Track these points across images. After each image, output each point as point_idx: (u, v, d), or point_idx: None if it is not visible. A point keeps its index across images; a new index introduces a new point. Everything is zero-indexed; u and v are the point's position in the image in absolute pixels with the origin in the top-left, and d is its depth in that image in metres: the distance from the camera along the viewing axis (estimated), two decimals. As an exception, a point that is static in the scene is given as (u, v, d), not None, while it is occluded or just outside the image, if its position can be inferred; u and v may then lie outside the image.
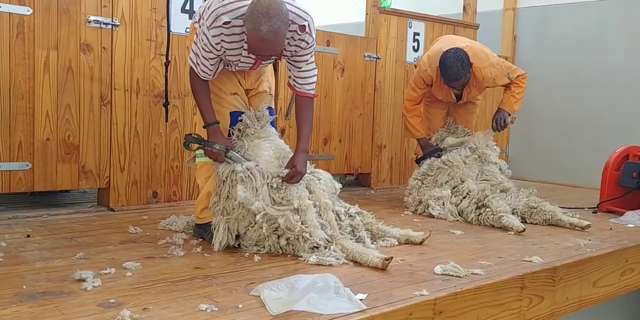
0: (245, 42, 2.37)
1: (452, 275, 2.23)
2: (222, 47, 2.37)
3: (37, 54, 2.99)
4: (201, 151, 2.60)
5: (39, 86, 3.00)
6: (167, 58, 3.08)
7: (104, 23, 3.18)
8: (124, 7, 3.24)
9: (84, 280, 1.97)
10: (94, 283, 1.95)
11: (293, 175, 2.44)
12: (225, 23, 2.30)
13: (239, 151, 2.55)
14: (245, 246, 2.46)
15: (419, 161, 3.83)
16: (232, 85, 2.62)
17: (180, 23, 3.43)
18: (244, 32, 2.33)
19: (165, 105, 3.15)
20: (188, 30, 3.37)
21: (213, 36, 2.34)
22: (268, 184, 2.45)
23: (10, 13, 2.89)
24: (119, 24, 3.22)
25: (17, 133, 2.94)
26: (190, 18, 3.43)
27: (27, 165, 2.98)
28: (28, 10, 2.93)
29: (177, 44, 3.42)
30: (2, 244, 2.42)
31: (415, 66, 3.99)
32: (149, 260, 2.28)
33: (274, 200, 2.44)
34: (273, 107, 2.78)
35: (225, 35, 2.35)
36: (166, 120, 3.33)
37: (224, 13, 2.31)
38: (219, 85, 2.56)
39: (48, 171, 3.06)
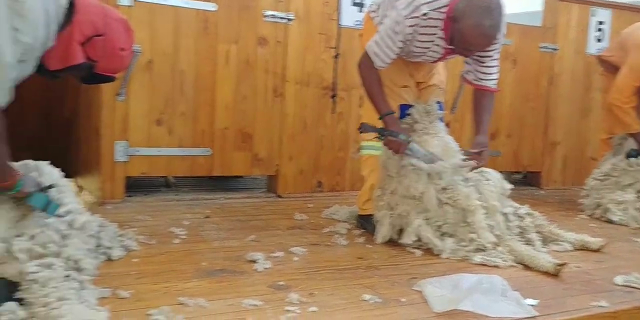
0: (438, 36, 2.34)
1: (635, 288, 2.02)
2: (413, 37, 2.36)
3: (219, 48, 3.21)
4: (367, 143, 2.62)
5: (220, 79, 3.23)
6: (336, 51, 3.14)
7: (279, 17, 3.32)
8: (299, 2, 3.36)
9: (255, 262, 2.09)
10: (264, 265, 2.06)
11: (480, 152, 2.40)
12: (424, 14, 2.29)
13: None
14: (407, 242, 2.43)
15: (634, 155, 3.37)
16: (403, 78, 2.59)
17: (350, 16, 3.48)
18: (437, 26, 2.31)
19: (333, 97, 3.22)
20: (357, 22, 3.41)
21: (408, 26, 2.32)
22: (434, 184, 2.40)
23: (197, 9, 3.13)
24: (293, 18, 3.35)
25: (201, 122, 3.20)
26: (360, 11, 3.47)
27: (208, 151, 3.22)
28: (214, 7, 3.16)
29: (346, 37, 3.48)
30: (185, 222, 2.65)
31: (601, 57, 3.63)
32: (314, 247, 2.36)
33: (440, 201, 2.38)
34: (443, 101, 2.71)
35: (421, 26, 2.33)
36: (333, 112, 3.40)
37: (425, 3, 2.29)
38: (390, 77, 2.55)
39: (225, 158, 3.28)
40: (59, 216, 1.75)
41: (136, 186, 3.23)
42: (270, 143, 3.39)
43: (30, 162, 1.76)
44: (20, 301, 1.51)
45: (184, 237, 2.41)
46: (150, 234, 2.38)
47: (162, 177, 3.48)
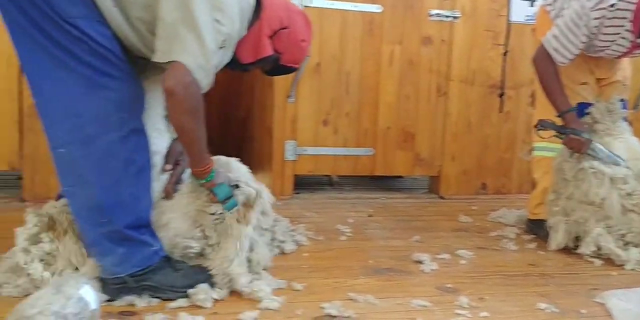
0: (625, 29, 2.17)
1: None
2: (598, 31, 2.22)
3: (383, 49, 3.24)
4: (540, 144, 2.49)
5: (383, 79, 3.26)
6: (505, 48, 3.02)
7: (445, 16, 3.27)
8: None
9: (421, 262, 2.08)
10: (431, 266, 2.05)
11: None
12: (611, 5, 2.14)
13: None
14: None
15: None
16: (583, 74, 2.42)
17: (520, 11, 3.32)
18: (626, 18, 2.14)
19: (501, 95, 3.10)
20: (528, 18, 3.25)
21: (594, 18, 2.18)
22: (618, 189, 2.21)
23: (363, 12, 3.19)
24: (459, 15, 3.28)
25: (364, 121, 3.25)
26: (531, 6, 3.30)
27: (371, 151, 3.27)
28: (379, 8, 3.19)
29: (516, 33, 3.33)
30: (349, 220, 2.71)
31: None
32: (481, 251, 2.29)
33: (624, 208, 2.19)
34: (627, 99, 2.48)
35: (607, 18, 2.18)
36: (500, 111, 3.28)
37: None
38: (567, 73, 2.39)
39: (387, 157, 3.31)
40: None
41: (303, 184, 3.37)
42: (432, 143, 3.36)
43: (222, 157, 1.87)
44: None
45: (350, 234, 2.47)
46: (318, 230, 2.47)
47: (326, 175, 3.60)
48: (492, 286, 1.89)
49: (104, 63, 1.58)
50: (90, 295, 1.37)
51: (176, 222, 1.77)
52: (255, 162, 3.47)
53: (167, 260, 1.73)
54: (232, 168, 1.85)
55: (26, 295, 1.56)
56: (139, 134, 1.69)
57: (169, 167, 1.82)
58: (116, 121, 1.62)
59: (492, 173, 3.43)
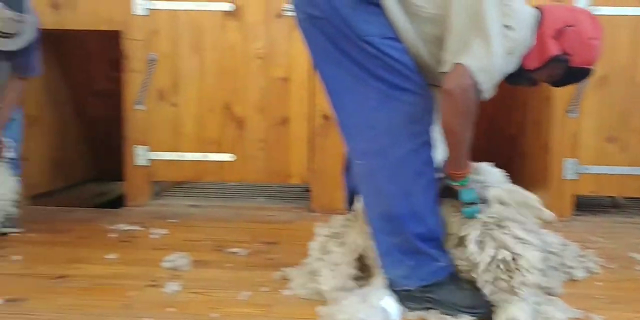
0: None
1: None
2: None
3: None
4: None
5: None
6: None
7: None
8: None
9: None
10: None
11: None
12: None
13: None
14: None
15: None
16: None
17: None
18: None
19: None
20: None
21: None
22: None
23: None
24: None
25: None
26: None
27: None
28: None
29: None
30: (644, 248, 2.42)
31: None
32: None
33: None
34: None
35: None
36: None
37: None
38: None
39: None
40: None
41: (582, 205, 3.12)
42: None
43: (479, 163, 1.80)
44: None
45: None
46: (609, 257, 2.25)
47: (610, 196, 3.28)
48: None
49: (397, 77, 1.65)
50: (391, 306, 1.44)
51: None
52: (527, 180, 3.31)
53: (454, 277, 1.74)
54: (485, 172, 1.77)
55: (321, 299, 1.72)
56: (429, 147, 1.73)
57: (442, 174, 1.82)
58: (409, 133, 1.68)
59: None
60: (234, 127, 3.05)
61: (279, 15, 2.97)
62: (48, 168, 3.42)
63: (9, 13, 2.18)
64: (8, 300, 1.74)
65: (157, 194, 3.27)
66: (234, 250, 2.29)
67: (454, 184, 1.72)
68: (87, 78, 3.68)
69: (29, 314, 1.66)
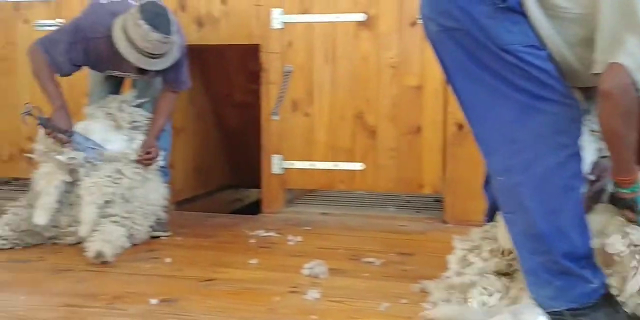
0: None
1: None
2: None
3: None
4: None
5: None
6: None
7: None
8: None
9: None
10: None
11: None
12: None
13: None
14: None
15: None
16: None
17: None
18: None
19: None
20: None
21: None
22: None
23: None
24: None
25: None
26: None
27: None
28: None
29: None
30: None
31: None
32: None
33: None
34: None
35: None
36: None
37: None
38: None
39: None
40: None
41: None
42: None
43: None
44: None
45: None
46: None
47: None
48: None
49: (539, 87, 1.57)
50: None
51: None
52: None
53: (608, 299, 1.61)
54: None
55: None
56: (577, 158, 1.62)
57: (592, 177, 1.71)
58: (554, 146, 1.59)
59: None
60: (366, 136, 3.07)
61: (413, 24, 2.95)
62: (191, 175, 3.65)
63: (156, 35, 2.34)
64: (162, 300, 1.87)
65: (290, 201, 3.36)
66: (369, 259, 2.29)
67: (623, 191, 1.60)
68: (226, 90, 3.88)
69: (181, 315, 1.77)
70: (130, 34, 2.36)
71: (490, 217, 1.98)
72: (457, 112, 2.87)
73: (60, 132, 2.43)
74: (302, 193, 3.62)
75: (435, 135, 2.96)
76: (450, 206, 2.93)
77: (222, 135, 4.03)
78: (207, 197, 3.83)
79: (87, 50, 2.52)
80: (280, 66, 3.13)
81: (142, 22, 2.32)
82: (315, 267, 2.14)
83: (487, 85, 1.62)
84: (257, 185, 3.52)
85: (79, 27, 2.51)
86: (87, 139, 2.52)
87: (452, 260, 1.92)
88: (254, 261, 2.27)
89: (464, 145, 2.89)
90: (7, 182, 4.03)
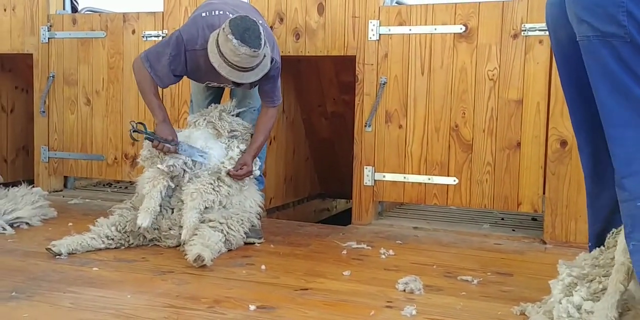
0: None
1: None
2: None
3: None
4: None
5: None
6: None
7: None
8: None
9: None
10: None
11: None
12: None
13: None
14: None
15: None
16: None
17: None
18: None
19: None
20: None
21: None
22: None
23: None
24: None
25: None
26: None
27: None
28: None
29: None
30: None
31: None
32: None
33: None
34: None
35: None
36: None
37: None
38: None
39: None
40: None
41: None
42: None
43: None
44: None
45: None
46: None
47: None
48: None
49: None
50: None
51: None
52: None
53: None
54: None
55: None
56: None
57: None
58: None
59: None
60: (461, 150, 3.00)
61: (515, 36, 2.87)
62: (282, 184, 3.70)
63: (244, 50, 2.37)
64: (260, 307, 1.89)
65: (380, 214, 3.33)
66: (465, 277, 2.23)
67: None
68: (318, 100, 3.91)
69: (278, 323, 1.79)
70: (221, 48, 2.41)
71: (596, 241, 1.87)
72: (560, 128, 2.77)
73: (167, 142, 2.53)
74: (392, 205, 3.58)
75: (536, 151, 2.85)
76: (549, 226, 2.80)
77: (312, 145, 4.06)
78: (296, 205, 3.87)
79: (186, 62, 2.61)
80: (375, 78, 3.12)
81: (231, 36, 2.35)
82: (410, 282, 2.10)
83: (637, 100, 1.50)
84: (344, 195, 3.51)
85: (179, 39, 2.59)
86: (192, 147, 2.61)
87: (557, 286, 1.82)
88: (347, 273, 2.26)
89: (565, 163, 2.77)
90: (109, 184, 4.25)
